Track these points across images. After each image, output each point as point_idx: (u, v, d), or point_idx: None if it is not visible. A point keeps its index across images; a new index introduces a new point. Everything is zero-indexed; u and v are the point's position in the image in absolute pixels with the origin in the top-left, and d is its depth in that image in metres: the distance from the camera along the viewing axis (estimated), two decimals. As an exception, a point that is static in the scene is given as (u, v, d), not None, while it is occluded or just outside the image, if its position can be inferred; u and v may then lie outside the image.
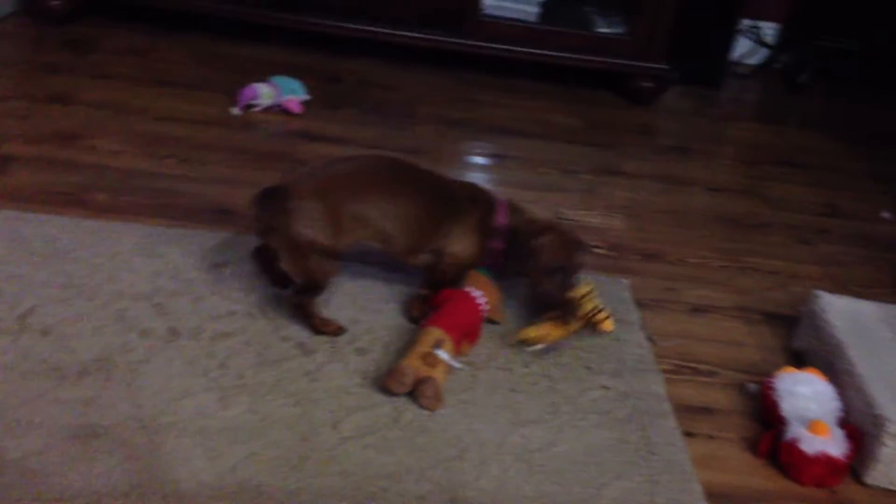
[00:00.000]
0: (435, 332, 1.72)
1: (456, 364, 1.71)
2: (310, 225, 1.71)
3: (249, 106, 2.69)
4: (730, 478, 1.63)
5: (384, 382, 1.65)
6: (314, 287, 1.77)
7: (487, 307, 1.84)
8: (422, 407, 1.64)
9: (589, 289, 1.90)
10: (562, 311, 1.83)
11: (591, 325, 1.86)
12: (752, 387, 1.84)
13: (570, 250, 1.86)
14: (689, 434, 1.71)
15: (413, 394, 1.65)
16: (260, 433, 1.53)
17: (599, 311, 1.86)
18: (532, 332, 1.82)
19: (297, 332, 1.78)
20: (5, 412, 1.48)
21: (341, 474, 1.48)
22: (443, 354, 1.69)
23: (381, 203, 1.79)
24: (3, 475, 1.35)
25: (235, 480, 1.43)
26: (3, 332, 1.66)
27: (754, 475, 1.65)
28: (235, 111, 2.67)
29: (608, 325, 1.86)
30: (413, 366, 1.66)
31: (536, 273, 1.85)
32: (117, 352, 1.66)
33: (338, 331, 1.80)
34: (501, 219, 1.88)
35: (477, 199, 1.90)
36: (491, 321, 1.89)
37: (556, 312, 1.83)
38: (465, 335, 1.78)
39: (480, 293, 1.84)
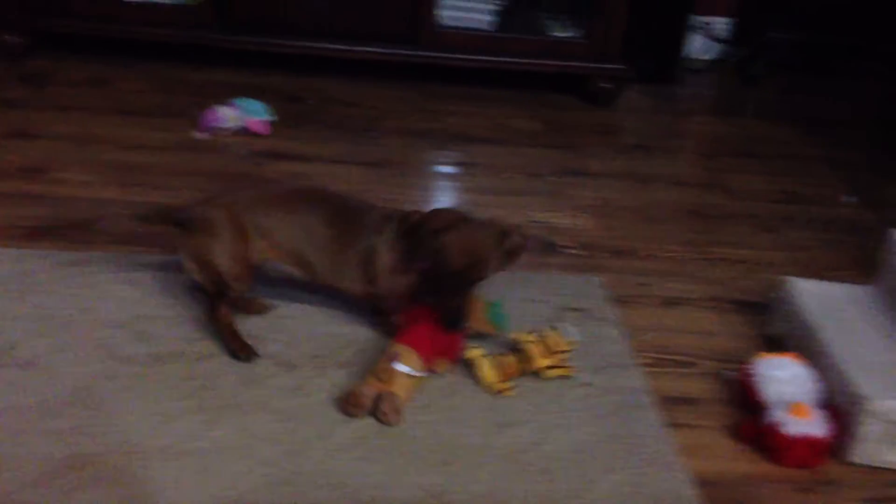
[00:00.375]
0: (393, 347, 1.69)
1: (417, 373, 1.67)
2: (210, 232, 1.75)
3: (213, 129, 2.69)
4: (715, 464, 1.66)
5: (342, 408, 1.64)
6: (219, 291, 1.78)
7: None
8: (381, 423, 1.62)
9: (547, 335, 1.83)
10: (445, 320, 1.71)
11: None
12: (728, 374, 1.88)
13: (481, 250, 1.70)
14: (672, 425, 1.74)
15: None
16: (249, 451, 1.54)
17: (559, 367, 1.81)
18: (491, 377, 1.76)
19: (279, 350, 1.79)
20: (-6, 447, 1.48)
21: (333, 486, 1.49)
22: (401, 367, 1.66)
23: (284, 217, 1.80)
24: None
25: (229, 499, 1.44)
26: (-16, 368, 1.65)
27: (739, 460, 1.68)
28: (198, 135, 2.68)
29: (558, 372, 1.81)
30: (369, 383, 1.65)
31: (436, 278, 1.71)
32: (101, 380, 1.66)
33: (248, 352, 1.77)
34: None
35: (393, 217, 1.80)
36: (479, 335, 1.85)
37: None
38: (440, 352, 1.74)
39: None
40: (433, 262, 1.69)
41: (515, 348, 1.80)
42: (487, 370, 1.76)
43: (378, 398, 1.63)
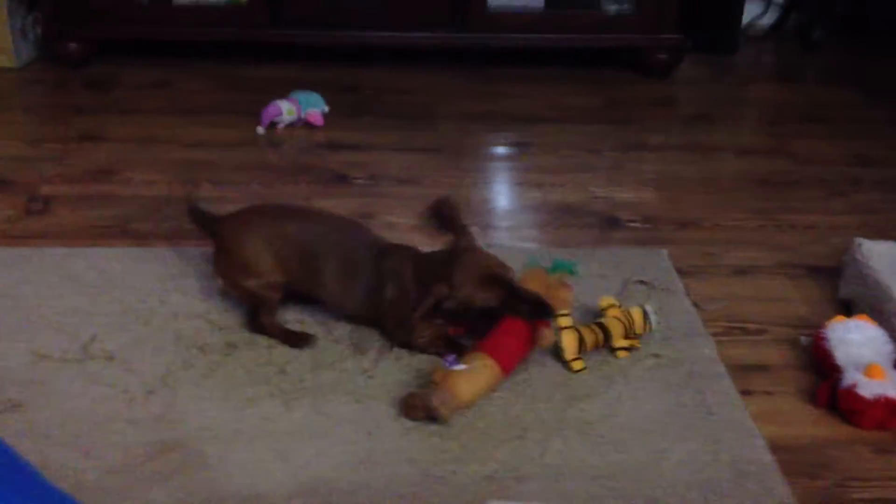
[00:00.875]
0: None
1: (459, 366, 1.62)
2: (237, 249, 1.80)
3: (273, 124, 2.73)
4: (792, 430, 1.64)
5: (403, 412, 1.61)
6: (253, 304, 1.80)
7: None
8: (433, 419, 1.58)
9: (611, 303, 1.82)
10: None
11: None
12: (806, 339, 1.85)
13: (495, 280, 1.66)
14: (745, 393, 1.72)
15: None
16: (326, 432, 1.57)
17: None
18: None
19: (349, 333, 1.82)
20: (80, 436, 1.53)
21: (408, 462, 1.51)
22: (456, 366, 1.62)
23: (293, 245, 1.80)
24: (84, 496, 1.39)
25: (308, 478, 1.47)
26: (69, 361, 1.71)
27: (816, 425, 1.66)
28: (260, 130, 2.72)
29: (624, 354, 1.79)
30: (428, 388, 1.62)
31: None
32: (180, 369, 1.70)
33: (307, 341, 1.78)
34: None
35: (390, 253, 1.79)
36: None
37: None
38: (525, 345, 1.70)
39: None
40: (473, 315, 1.68)
41: (599, 322, 1.79)
42: (568, 344, 1.74)
43: (430, 394, 1.59)
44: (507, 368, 1.67)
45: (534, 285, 1.73)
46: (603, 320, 1.79)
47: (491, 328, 1.69)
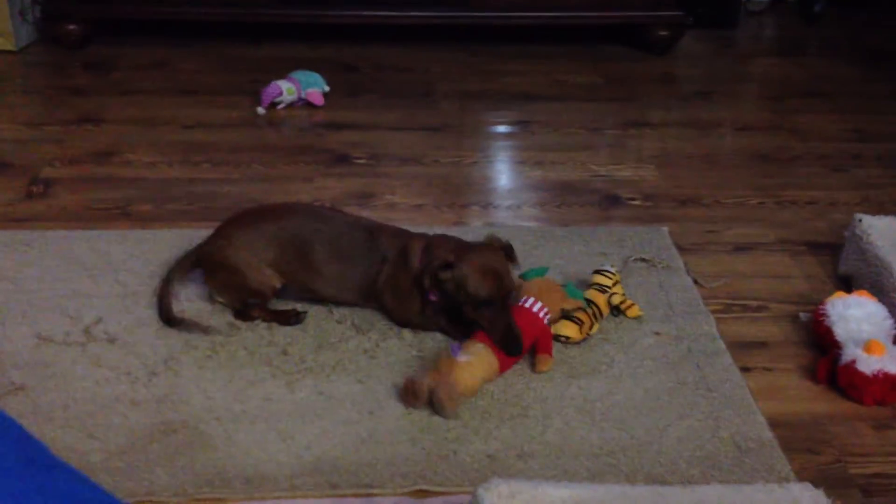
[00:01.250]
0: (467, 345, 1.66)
1: (465, 357, 1.61)
2: (224, 269, 1.78)
3: (274, 104, 2.73)
4: (791, 406, 1.65)
5: (402, 399, 1.61)
6: (248, 306, 1.80)
7: (548, 315, 1.73)
8: (436, 412, 1.58)
9: (615, 280, 1.84)
10: (502, 345, 1.65)
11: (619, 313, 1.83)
12: (805, 315, 1.86)
13: (495, 277, 1.67)
14: (745, 369, 1.73)
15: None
16: (328, 412, 1.58)
17: (627, 302, 1.82)
18: (564, 329, 1.75)
19: (351, 313, 1.83)
20: (85, 418, 1.54)
21: (411, 442, 1.52)
22: (461, 357, 1.61)
23: (281, 244, 1.79)
24: (91, 477, 1.40)
25: (311, 458, 1.48)
26: (72, 343, 1.72)
27: (816, 400, 1.66)
28: (261, 110, 2.72)
29: (635, 311, 1.82)
30: (429, 375, 1.61)
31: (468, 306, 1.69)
32: (182, 350, 1.71)
33: (296, 316, 1.80)
34: (419, 257, 1.75)
35: (398, 236, 1.80)
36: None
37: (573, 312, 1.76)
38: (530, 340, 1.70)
39: (537, 303, 1.72)
40: (461, 299, 1.67)
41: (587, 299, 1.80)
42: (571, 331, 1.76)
43: (435, 386, 1.58)
44: (503, 368, 1.67)
45: (536, 287, 1.75)
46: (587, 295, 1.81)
47: (466, 334, 1.70)
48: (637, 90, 2.99)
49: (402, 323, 1.80)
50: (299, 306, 1.83)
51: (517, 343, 1.65)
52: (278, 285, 1.80)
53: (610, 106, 2.86)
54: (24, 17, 3.15)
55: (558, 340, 1.75)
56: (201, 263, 1.83)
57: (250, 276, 1.78)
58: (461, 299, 1.68)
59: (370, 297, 1.81)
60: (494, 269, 1.67)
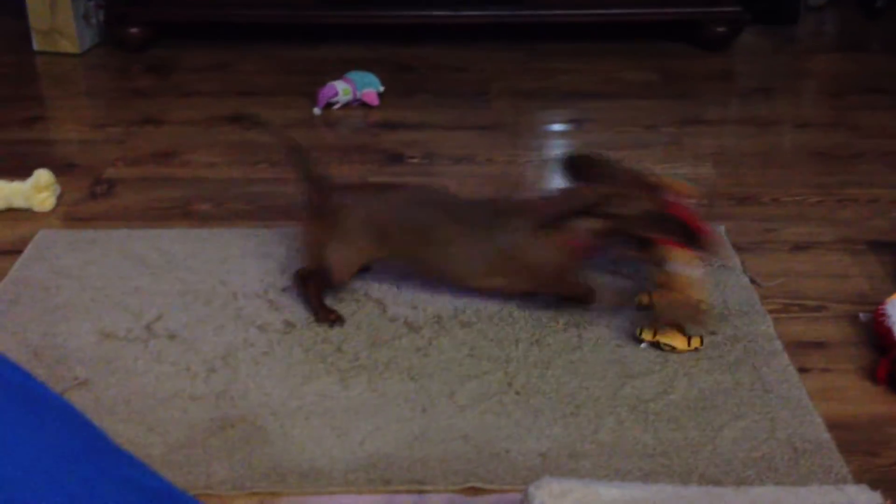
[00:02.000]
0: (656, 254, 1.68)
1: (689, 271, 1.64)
2: (333, 226, 1.78)
3: (330, 104, 2.76)
4: (850, 407, 1.62)
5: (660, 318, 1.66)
6: (319, 277, 1.80)
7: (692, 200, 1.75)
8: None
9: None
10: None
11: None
12: (865, 316, 1.82)
13: (644, 188, 1.71)
14: (803, 370, 1.70)
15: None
16: (381, 409, 1.60)
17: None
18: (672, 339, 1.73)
19: (404, 311, 1.84)
20: (146, 412, 1.58)
21: (463, 439, 1.53)
22: (679, 268, 1.63)
23: (404, 220, 1.78)
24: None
25: (365, 454, 1.50)
26: (133, 340, 1.77)
27: (875, 402, 1.63)
28: (317, 111, 2.75)
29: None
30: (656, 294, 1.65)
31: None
32: (240, 347, 1.75)
33: (336, 318, 1.80)
34: (549, 206, 1.73)
35: (507, 211, 1.77)
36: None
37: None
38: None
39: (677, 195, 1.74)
40: (629, 226, 1.68)
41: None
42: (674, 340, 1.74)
43: (677, 309, 1.62)
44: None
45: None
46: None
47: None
48: (694, 87, 2.96)
49: (574, 295, 1.81)
50: (361, 301, 1.86)
51: (698, 235, 1.66)
52: (377, 255, 1.80)
53: (666, 103, 2.83)
54: (88, 21, 3.23)
55: (662, 349, 1.73)
56: (311, 204, 1.81)
57: (350, 242, 1.78)
58: (629, 226, 1.68)
59: (497, 271, 1.77)
60: (643, 180, 1.70)
